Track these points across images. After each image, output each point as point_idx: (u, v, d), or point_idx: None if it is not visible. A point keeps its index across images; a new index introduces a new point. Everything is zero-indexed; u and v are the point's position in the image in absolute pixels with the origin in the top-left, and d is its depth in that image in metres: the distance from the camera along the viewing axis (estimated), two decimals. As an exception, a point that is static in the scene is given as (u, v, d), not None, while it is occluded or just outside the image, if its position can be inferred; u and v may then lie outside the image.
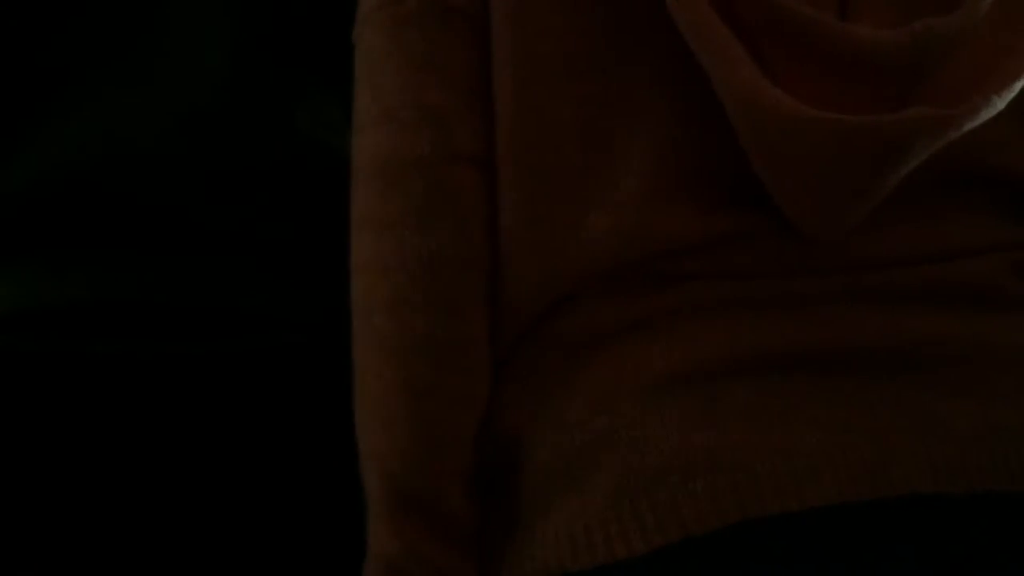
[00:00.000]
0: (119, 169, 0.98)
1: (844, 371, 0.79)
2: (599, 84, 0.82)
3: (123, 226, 0.99)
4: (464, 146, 0.83)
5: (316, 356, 1.02)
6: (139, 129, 0.99)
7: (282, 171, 1.02)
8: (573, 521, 0.79)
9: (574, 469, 0.80)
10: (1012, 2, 0.79)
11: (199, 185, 1.00)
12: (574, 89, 0.82)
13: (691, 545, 0.76)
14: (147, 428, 0.98)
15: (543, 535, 0.81)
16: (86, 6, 1.00)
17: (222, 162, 1.00)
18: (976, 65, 0.79)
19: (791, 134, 0.77)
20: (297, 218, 1.03)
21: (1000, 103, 0.78)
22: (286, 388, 1.01)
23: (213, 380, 0.99)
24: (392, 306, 0.83)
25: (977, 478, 0.77)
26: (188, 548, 0.98)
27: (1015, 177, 0.85)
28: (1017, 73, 0.79)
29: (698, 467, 0.76)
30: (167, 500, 0.98)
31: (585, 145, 0.82)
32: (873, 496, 0.76)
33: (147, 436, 0.97)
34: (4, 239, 0.99)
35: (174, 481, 0.98)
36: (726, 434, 0.77)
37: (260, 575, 1.00)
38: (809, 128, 0.76)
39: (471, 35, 0.84)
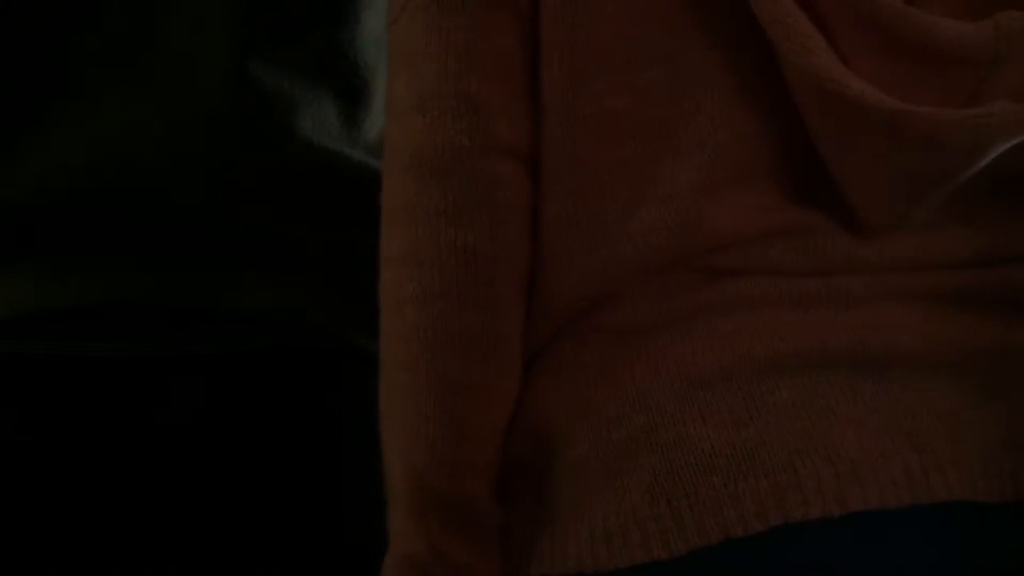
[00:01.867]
0: (121, 174, 0.99)
1: (883, 373, 0.79)
2: (655, 74, 0.80)
3: (125, 230, 1.00)
4: (504, 138, 0.82)
5: (318, 358, 1.03)
6: (141, 135, 0.99)
7: (282, 176, 1.03)
8: (609, 519, 0.78)
9: (611, 466, 0.79)
10: None
11: (200, 190, 1.00)
12: (628, 79, 0.80)
13: (730, 547, 0.75)
14: (150, 430, 0.98)
15: (577, 532, 0.80)
16: (88, 13, 1.00)
17: (223, 167, 1.01)
18: None
19: (876, 126, 0.75)
20: (298, 222, 1.03)
21: None
22: (288, 390, 1.02)
23: (215, 382, 1.00)
24: (425, 300, 0.82)
25: (1011, 485, 0.77)
26: (192, 549, 0.99)
27: None
28: None
29: (740, 467, 0.76)
30: (171, 502, 0.99)
31: (637, 136, 0.80)
32: (912, 502, 0.75)
33: (150, 438, 0.98)
34: (8, 243, 1.00)
35: (177, 483, 0.99)
36: (767, 434, 0.76)
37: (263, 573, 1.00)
38: (897, 120, 0.75)
39: (516, 24, 0.82)
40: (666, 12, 0.80)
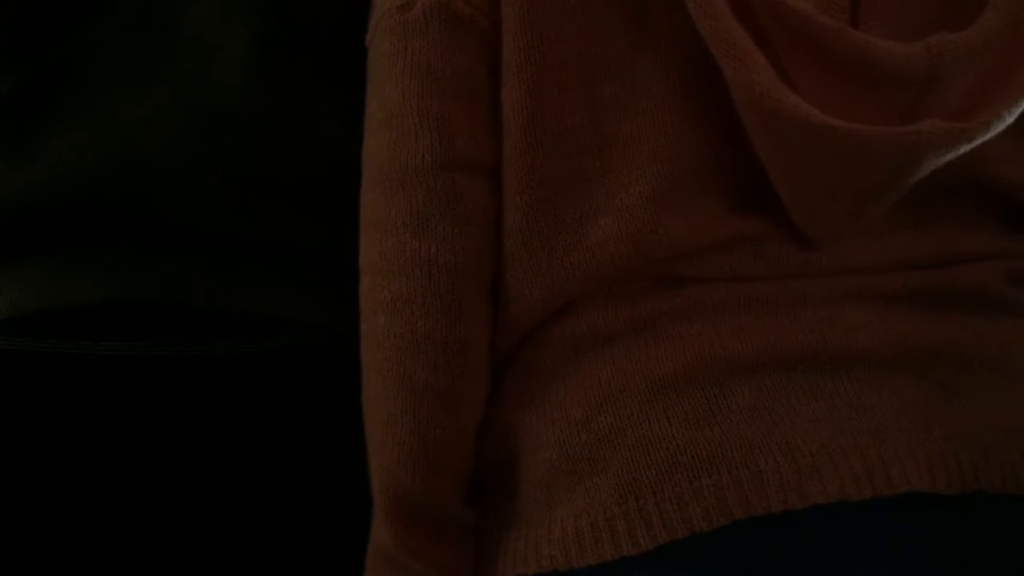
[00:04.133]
0: (134, 170, 0.98)
1: (843, 371, 0.81)
2: (610, 89, 0.83)
3: (133, 228, 0.99)
4: (464, 153, 0.85)
5: (323, 359, 1.02)
6: (154, 130, 0.98)
7: (302, 177, 1.02)
8: (579, 518, 0.81)
9: (579, 467, 0.82)
10: (1020, 18, 0.82)
11: (215, 188, 1.00)
12: (585, 94, 0.83)
13: (696, 542, 0.78)
14: (157, 430, 0.98)
15: (550, 532, 0.82)
16: (102, 5, 0.99)
17: (239, 165, 1.00)
18: (985, 79, 0.81)
19: (808, 140, 0.79)
20: (314, 223, 1.02)
21: (1009, 118, 0.80)
22: (293, 390, 1.02)
23: (222, 383, 1.00)
24: (393, 307, 0.85)
25: (970, 478, 0.80)
26: (197, 548, 0.99)
27: (1012, 189, 0.87)
28: None
29: (703, 465, 0.78)
30: (176, 501, 0.99)
31: (594, 149, 0.83)
32: (873, 495, 0.78)
33: (157, 438, 0.98)
34: (17, 240, 1.00)
35: (183, 482, 0.98)
36: (730, 432, 0.79)
37: (263, 574, 1.01)
38: (827, 135, 0.78)
39: (477, 43, 0.85)
40: (620, 30, 0.84)
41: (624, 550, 0.79)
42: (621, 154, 0.83)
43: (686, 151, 0.83)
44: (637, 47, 0.83)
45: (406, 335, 0.84)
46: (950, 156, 0.80)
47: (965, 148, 0.80)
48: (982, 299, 0.85)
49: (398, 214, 0.85)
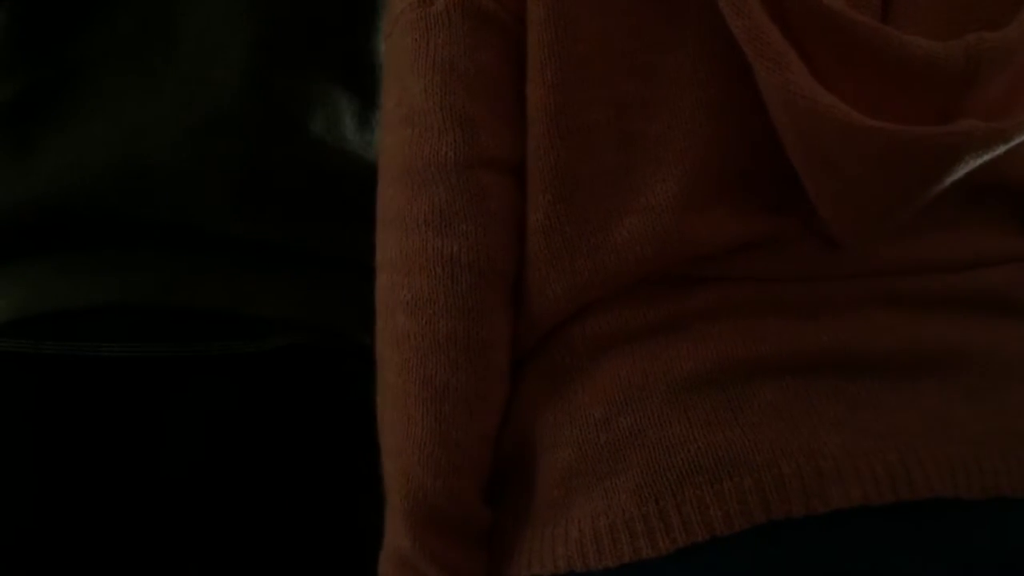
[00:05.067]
0: (134, 176, 0.99)
1: (866, 374, 0.80)
2: (638, 86, 0.82)
3: (136, 231, 1.00)
4: (488, 150, 0.84)
5: (323, 358, 1.03)
6: (155, 135, 1.00)
7: (294, 176, 1.03)
8: (597, 519, 0.80)
9: (598, 467, 0.81)
10: None
11: (214, 190, 1.00)
12: (612, 91, 0.82)
13: (716, 545, 0.77)
14: (159, 430, 0.99)
15: (566, 533, 0.81)
16: (103, 14, 1.01)
17: (237, 167, 1.01)
18: (1020, 79, 0.80)
19: (844, 141, 0.77)
20: (310, 223, 1.03)
21: None
22: (294, 389, 1.02)
23: (223, 382, 1.00)
24: (414, 306, 0.83)
25: (991, 483, 0.79)
26: (200, 549, 1.00)
27: None
28: None
29: (725, 468, 0.77)
30: (177, 501, 0.99)
31: (620, 147, 0.82)
32: (895, 499, 0.77)
33: (159, 438, 0.99)
34: (20, 243, 1.01)
35: (185, 482, 0.99)
36: (752, 435, 0.78)
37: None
38: (864, 136, 0.77)
39: (500, 40, 0.84)
40: (646, 27, 0.82)
41: (643, 552, 0.78)
42: (646, 153, 0.82)
43: (713, 151, 0.82)
44: (664, 44, 0.82)
45: (427, 335, 0.83)
46: (986, 157, 0.79)
47: (1002, 149, 0.78)
48: (1007, 303, 0.84)
49: (420, 212, 0.84)
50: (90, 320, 0.98)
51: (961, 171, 0.79)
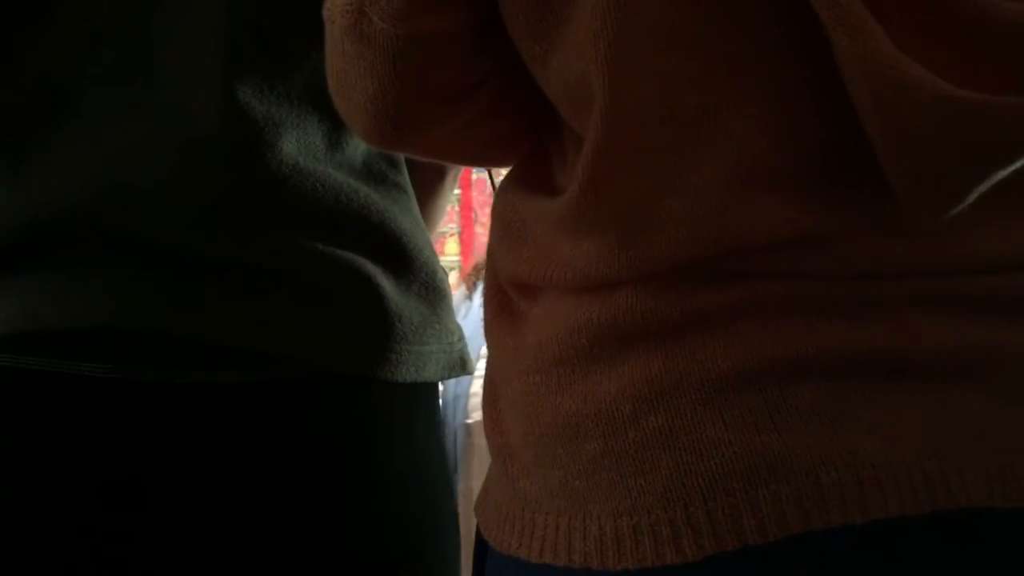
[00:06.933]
0: (117, 199, 1.01)
1: (905, 377, 0.76)
2: (693, 60, 0.76)
3: (122, 253, 1.01)
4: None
5: (306, 392, 1.04)
6: (137, 159, 1.01)
7: (273, 197, 1.05)
8: (619, 519, 0.76)
9: (624, 465, 0.77)
10: None
11: (193, 212, 1.02)
12: (665, 64, 0.76)
13: (747, 554, 0.73)
14: (137, 451, 0.99)
15: (583, 526, 0.78)
16: (89, 45, 1.02)
17: (215, 190, 1.03)
18: None
19: (934, 113, 0.70)
20: (284, 242, 1.05)
21: None
22: (275, 422, 1.03)
23: (205, 410, 1.01)
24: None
25: None
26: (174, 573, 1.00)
27: None
28: None
29: (760, 474, 0.74)
30: (156, 521, 0.99)
31: (664, 124, 0.76)
32: (932, 509, 0.74)
33: (137, 458, 0.99)
34: (4, 263, 1.01)
35: (163, 501, 0.99)
36: (789, 440, 0.74)
37: None
38: (956, 107, 0.70)
39: None
40: None
41: (667, 558, 0.74)
42: (691, 130, 0.76)
43: (764, 131, 0.76)
44: (715, 15, 0.75)
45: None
46: None
47: None
48: None
49: None
50: (73, 340, 0.98)
51: None
